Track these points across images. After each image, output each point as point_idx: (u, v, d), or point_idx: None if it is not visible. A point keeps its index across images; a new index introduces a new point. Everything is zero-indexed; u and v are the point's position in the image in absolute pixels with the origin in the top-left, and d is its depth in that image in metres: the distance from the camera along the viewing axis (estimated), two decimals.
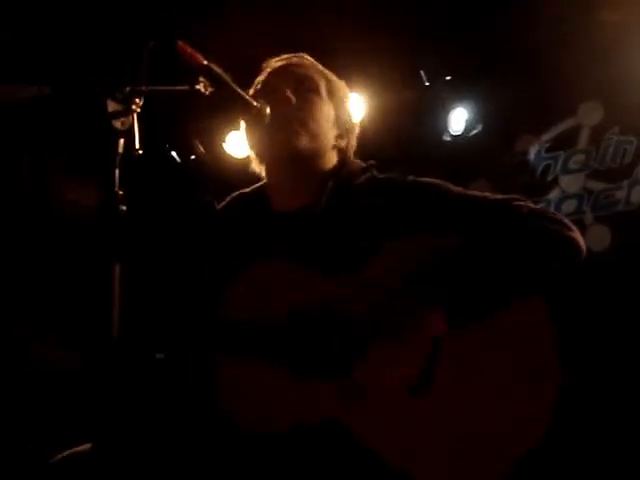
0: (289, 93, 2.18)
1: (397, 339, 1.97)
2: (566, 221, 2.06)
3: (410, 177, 2.21)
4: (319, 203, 2.19)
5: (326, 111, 2.25)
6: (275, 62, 2.33)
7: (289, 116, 2.17)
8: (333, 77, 2.34)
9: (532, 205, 2.11)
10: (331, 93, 2.29)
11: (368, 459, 1.93)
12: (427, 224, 2.08)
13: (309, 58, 2.35)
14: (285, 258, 2.09)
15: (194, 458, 2.00)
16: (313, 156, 2.23)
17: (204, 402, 2.08)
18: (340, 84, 2.34)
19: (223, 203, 2.39)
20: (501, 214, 2.07)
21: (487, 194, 2.15)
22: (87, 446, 1.93)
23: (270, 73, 2.29)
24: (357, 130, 2.37)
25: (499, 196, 2.14)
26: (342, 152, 2.32)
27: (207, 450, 2.02)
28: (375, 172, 2.29)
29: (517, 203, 2.09)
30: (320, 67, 2.34)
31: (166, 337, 2.08)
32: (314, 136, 2.20)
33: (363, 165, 2.32)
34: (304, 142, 2.19)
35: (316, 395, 1.96)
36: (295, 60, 2.32)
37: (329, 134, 2.25)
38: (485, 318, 1.98)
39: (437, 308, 1.97)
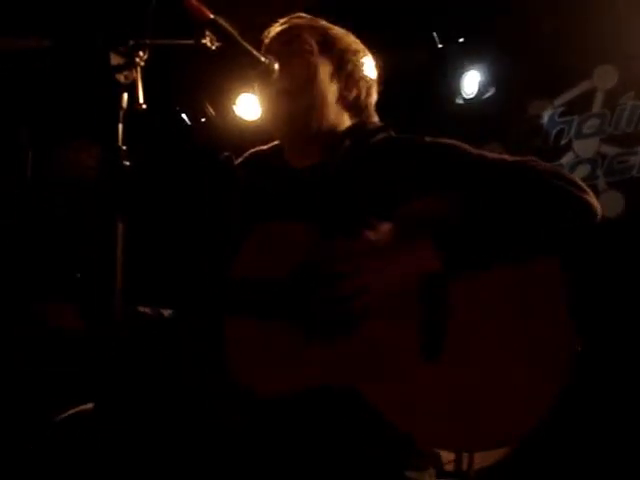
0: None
1: (384, 259, 1.97)
2: (581, 183, 2.01)
3: (427, 138, 2.18)
4: (334, 162, 2.17)
5: (318, 68, 2.22)
6: (272, 29, 2.31)
7: (274, 84, 2.15)
8: (331, 30, 2.30)
9: (548, 165, 2.07)
10: (327, 47, 2.25)
11: (375, 425, 1.92)
12: (443, 185, 2.05)
13: (304, 16, 2.32)
14: (297, 217, 2.07)
15: (199, 417, 1.99)
16: (314, 117, 2.20)
17: (213, 361, 2.08)
18: (340, 36, 2.29)
19: (240, 159, 2.38)
20: (516, 172, 2.03)
21: (504, 155, 2.12)
22: (89, 405, 1.93)
23: (266, 45, 2.28)
24: (372, 81, 2.32)
25: (517, 157, 2.10)
26: (354, 105, 2.28)
27: (213, 410, 2.02)
28: (392, 132, 2.26)
29: (533, 163, 2.05)
30: (315, 22, 2.31)
31: (176, 295, 2.07)
32: (301, 99, 2.19)
33: (380, 124, 2.30)
34: (291, 105, 2.18)
35: (321, 357, 1.94)
36: (287, 24, 2.29)
37: (327, 90, 2.22)
38: (489, 266, 1.95)
39: (424, 238, 1.95)
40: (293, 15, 2.32)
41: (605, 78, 5.22)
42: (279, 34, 2.28)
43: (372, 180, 2.10)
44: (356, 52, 2.30)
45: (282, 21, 2.31)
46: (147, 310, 2.13)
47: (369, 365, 1.93)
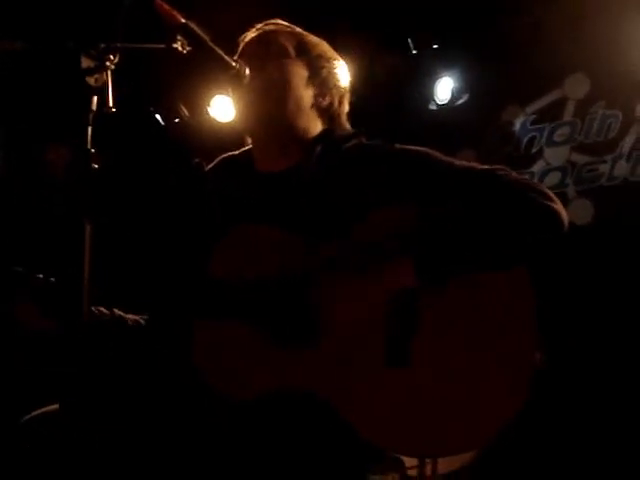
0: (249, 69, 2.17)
1: (359, 275, 1.97)
2: (549, 193, 2.03)
3: (397, 145, 2.19)
4: (306, 167, 2.18)
5: (294, 72, 2.23)
6: (249, 34, 2.31)
7: (248, 88, 2.16)
8: (307, 37, 2.31)
9: (517, 175, 2.09)
10: (303, 52, 2.26)
11: (338, 430, 1.94)
12: (412, 192, 2.06)
13: (281, 22, 2.32)
14: (268, 221, 2.08)
15: (166, 418, 2.00)
16: (286, 121, 2.21)
17: (180, 362, 2.08)
18: (315, 42, 2.31)
19: (212, 164, 2.37)
20: (485, 182, 2.05)
21: (474, 164, 2.13)
22: (55, 406, 1.93)
23: (241, 49, 2.28)
24: (344, 90, 2.33)
25: (485, 166, 2.12)
26: (327, 112, 2.29)
27: (180, 411, 2.03)
28: (363, 138, 2.27)
29: (502, 172, 2.07)
30: (292, 29, 2.31)
31: (146, 297, 2.07)
32: (276, 100, 2.19)
33: (352, 130, 2.31)
34: (265, 106, 2.18)
35: (288, 362, 1.96)
36: (265, 29, 2.30)
37: (302, 94, 2.23)
38: (459, 276, 1.97)
39: (406, 257, 1.96)
40: (270, 21, 2.32)
41: (576, 87, 5.27)
42: (256, 37, 2.28)
43: (343, 186, 2.11)
44: (330, 59, 2.30)
45: (259, 26, 2.31)
46: (101, 310, 2.12)
47: (334, 371, 1.95)
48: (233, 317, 1.99)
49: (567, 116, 5.32)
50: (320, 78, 2.27)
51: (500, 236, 1.99)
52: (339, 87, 2.31)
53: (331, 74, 2.29)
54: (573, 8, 4.71)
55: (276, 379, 1.95)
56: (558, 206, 2.01)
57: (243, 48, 2.28)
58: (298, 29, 2.33)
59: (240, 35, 2.32)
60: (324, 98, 2.27)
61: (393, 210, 2.04)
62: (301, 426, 1.97)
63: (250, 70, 2.09)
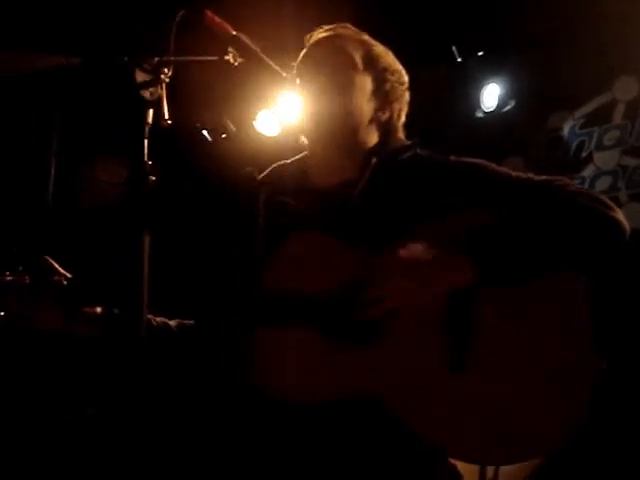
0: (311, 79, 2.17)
1: (415, 272, 1.97)
2: (609, 202, 2.02)
3: (452, 157, 2.18)
4: (361, 179, 2.17)
5: (360, 85, 2.22)
6: (316, 34, 2.28)
7: (313, 100, 2.16)
8: (375, 48, 2.27)
9: (576, 185, 2.10)
10: (370, 64, 2.23)
11: (401, 433, 1.94)
12: (473, 203, 2.06)
13: (349, 27, 2.29)
14: (323, 231, 2.08)
15: (222, 430, 2.01)
16: (346, 133, 2.20)
17: (235, 374, 2.09)
18: (382, 54, 2.27)
19: (264, 173, 2.36)
20: (544, 192, 2.05)
21: (530, 174, 2.13)
22: (92, 411, 1.95)
23: (305, 52, 2.25)
24: (404, 104, 2.29)
25: (542, 177, 2.11)
26: (385, 125, 2.27)
27: (236, 422, 2.04)
28: (418, 150, 2.25)
29: (560, 182, 2.07)
30: (360, 36, 2.27)
31: (199, 308, 2.08)
32: (338, 113, 2.18)
33: (407, 142, 2.29)
34: (327, 121, 2.17)
35: (351, 367, 1.96)
36: (332, 33, 2.27)
37: (364, 108, 2.22)
38: (518, 282, 1.97)
39: (464, 255, 1.96)
40: (339, 25, 2.29)
41: (625, 89, 5.21)
42: (324, 41, 2.25)
43: (400, 198, 2.10)
44: (395, 72, 2.27)
45: (327, 28, 2.28)
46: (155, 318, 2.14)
47: (396, 377, 1.95)
48: (296, 322, 2.00)
49: (617, 119, 5.26)
50: (383, 92, 2.23)
51: (563, 242, 1.98)
52: (400, 101, 2.28)
53: (394, 88, 2.26)
54: (619, 9, 4.66)
55: (342, 385, 1.95)
56: (619, 215, 2.00)
57: (309, 50, 2.25)
58: (366, 36, 2.28)
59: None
60: (384, 112, 2.24)
61: (454, 219, 2.04)
62: (367, 432, 1.97)
63: (315, 75, 2.11)
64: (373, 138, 2.25)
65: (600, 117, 5.33)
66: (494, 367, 1.94)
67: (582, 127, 5.42)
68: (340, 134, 2.19)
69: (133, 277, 1.62)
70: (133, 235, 1.59)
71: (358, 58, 2.22)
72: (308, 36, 2.27)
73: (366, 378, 1.95)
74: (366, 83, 2.22)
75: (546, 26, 5.00)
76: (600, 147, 5.32)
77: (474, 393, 1.92)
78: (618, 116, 5.25)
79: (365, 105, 2.21)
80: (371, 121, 2.24)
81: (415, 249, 1.99)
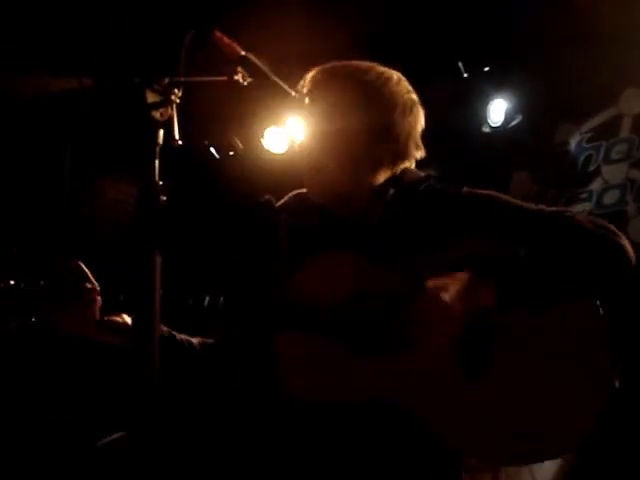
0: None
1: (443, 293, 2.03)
2: (615, 230, 2.13)
3: (466, 188, 2.22)
4: (377, 209, 2.21)
5: (361, 129, 2.20)
6: (314, 74, 2.25)
7: (310, 137, 2.22)
8: (373, 84, 2.22)
9: (584, 215, 2.23)
10: (370, 103, 2.21)
11: (420, 436, 2.02)
12: (481, 234, 2.12)
13: (339, 65, 2.26)
14: (341, 253, 2.13)
15: (234, 429, 2.05)
16: (341, 178, 2.21)
17: (261, 381, 2.12)
18: (380, 88, 2.22)
19: (283, 200, 2.38)
20: (554, 222, 2.14)
21: (541, 206, 2.21)
22: (123, 433, 1.97)
23: (307, 89, 2.23)
24: (412, 131, 2.26)
25: (553, 208, 2.21)
26: (391, 158, 2.25)
27: (250, 423, 2.09)
28: (432, 182, 2.26)
29: (569, 213, 2.17)
30: (360, 75, 2.23)
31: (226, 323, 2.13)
32: (336, 158, 2.20)
33: (422, 174, 2.29)
34: (325, 166, 2.21)
35: (370, 372, 2.02)
36: (331, 72, 2.25)
37: (361, 148, 2.21)
38: (534, 304, 2.07)
39: (488, 279, 2.05)
40: (337, 64, 2.27)
41: (632, 103, 5.21)
42: (322, 81, 2.24)
43: (416, 227, 2.15)
44: (396, 105, 2.23)
45: (325, 67, 2.27)
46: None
47: (416, 382, 2.02)
48: (317, 330, 2.05)
49: (624, 133, 5.26)
50: (383, 127, 2.22)
51: (576, 267, 2.10)
52: (404, 131, 2.24)
53: (395, 124, 2.22)
54: (625, 22, 4.67)
55: (362, 388, 2.01)
56: (624, 242, 2.12)
57: (309, 89, 2.23)
58: (366, 74, 2.25)
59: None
60: (388, 145, 2.23)
61: (463, 251, 2.11)
62: (390, 435, 2.04)
63: (315, 116, 2.16)
64: (383, 171, 2.25)
65: (607, 131, 5.33)
66: (510, 378, 2.04)
67: (589, 141, 5.42)
68: (339, 183, 2.22)
69: (144, 295, 1.63)
70: (143, 255, 1.60)
71: (358, 98, 2.21)
72: (306, 76, 2.25)
73: (386, 383, 2.02)
74: (366, 125, 2.20)
75: (552, 41, 5.02)
76: (608, 160, 5.32)
77: (488, 400, 2.02)
78: (625, 130, 5.25)
79: (365, 145, 2.21)
80: (377, 162, 2.24)
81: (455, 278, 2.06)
